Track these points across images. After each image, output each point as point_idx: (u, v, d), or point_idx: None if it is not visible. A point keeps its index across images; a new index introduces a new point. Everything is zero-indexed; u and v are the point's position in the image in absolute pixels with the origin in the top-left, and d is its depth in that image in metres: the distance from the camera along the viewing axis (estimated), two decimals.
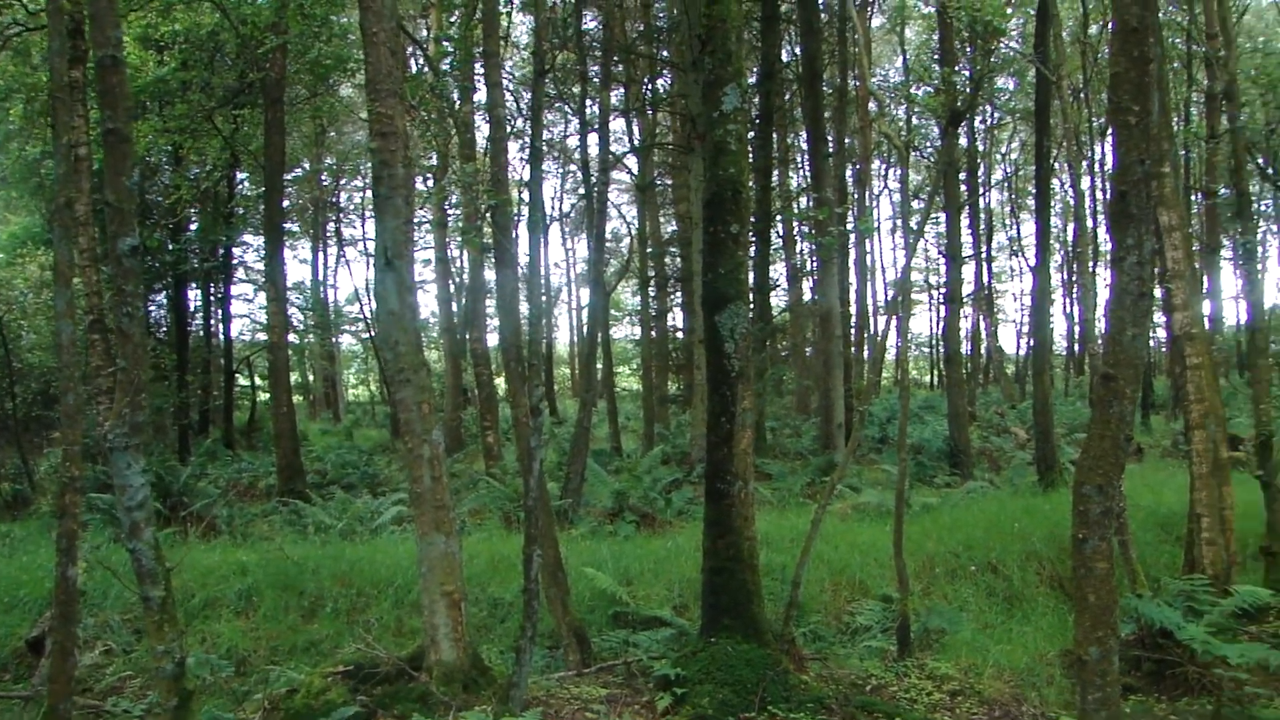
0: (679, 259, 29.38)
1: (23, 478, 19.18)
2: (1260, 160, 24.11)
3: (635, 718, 6.79)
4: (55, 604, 5.68)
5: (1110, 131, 5.08)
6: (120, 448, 3.84)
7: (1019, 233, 45.03)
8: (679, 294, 30.29)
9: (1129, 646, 7.74)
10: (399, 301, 6.72)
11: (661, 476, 18.52)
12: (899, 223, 42.34)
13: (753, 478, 7.64)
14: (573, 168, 37.12)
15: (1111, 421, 3.91)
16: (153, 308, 27.61)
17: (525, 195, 27.71)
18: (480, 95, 21.38)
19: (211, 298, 29.86)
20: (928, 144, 35.51)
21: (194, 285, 28.84)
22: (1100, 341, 4.52)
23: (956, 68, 22.22)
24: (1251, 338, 9.93)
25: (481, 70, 14.87)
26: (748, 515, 7.56)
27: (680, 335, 32.12)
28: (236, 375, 30.93)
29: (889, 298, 43.58)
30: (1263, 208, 33.92)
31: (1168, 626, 7.35)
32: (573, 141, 34.54)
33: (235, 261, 30.72)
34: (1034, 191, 25.93)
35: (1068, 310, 42.49)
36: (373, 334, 37.90)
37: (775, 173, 28.26)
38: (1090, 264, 37.56)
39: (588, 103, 19.68)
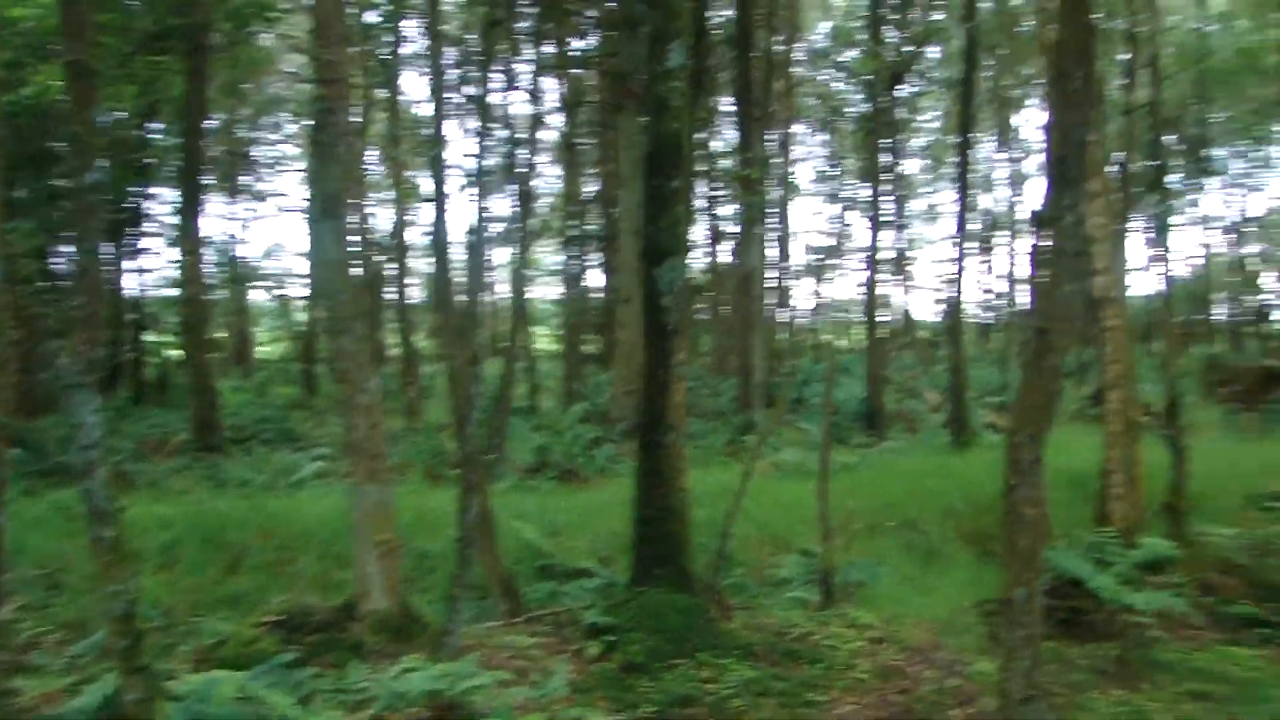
0: (601, 219, 29.41)
1: None
2: (1175, 134, 24.86)
3: (567, 665, 6.91)
4: None
5: (1038, 100, 5.25)
6: (76, 385, 3.85)
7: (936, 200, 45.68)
8: (600, 254, 30.32)
9: (1043, 597, 8.05)
10: (339, 250, 6.73)
11: (583, 433, 18.66)
12: (821, 187, 42.82)
13: (684, 430, 7.82)
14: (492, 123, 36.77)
15: (1045, 374, 4.11)
16: (60, 260, 26.89)
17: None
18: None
19: (120, 250, 29.05)
20: (853, 109, 35.85)
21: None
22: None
23: (888, 31, 22.46)
24: (1160, 307, 10.32)
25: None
26: (680, 467, 7.74)
27: (601, 295, 32.16)
28: (145, 330, 30.21)
29: (809, 261, 44.10)
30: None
31: (1079, 576, 7.68)
32: (495, 98, 34.19)
33: (146, 214, 29.88)
34: (955, 159, 26.31)
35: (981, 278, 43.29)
36: (284, 290, 37.44)
37: (703, 133, 28.34)
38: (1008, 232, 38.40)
39: (515, 59, 19.57)
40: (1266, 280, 38.51)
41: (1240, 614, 8.40)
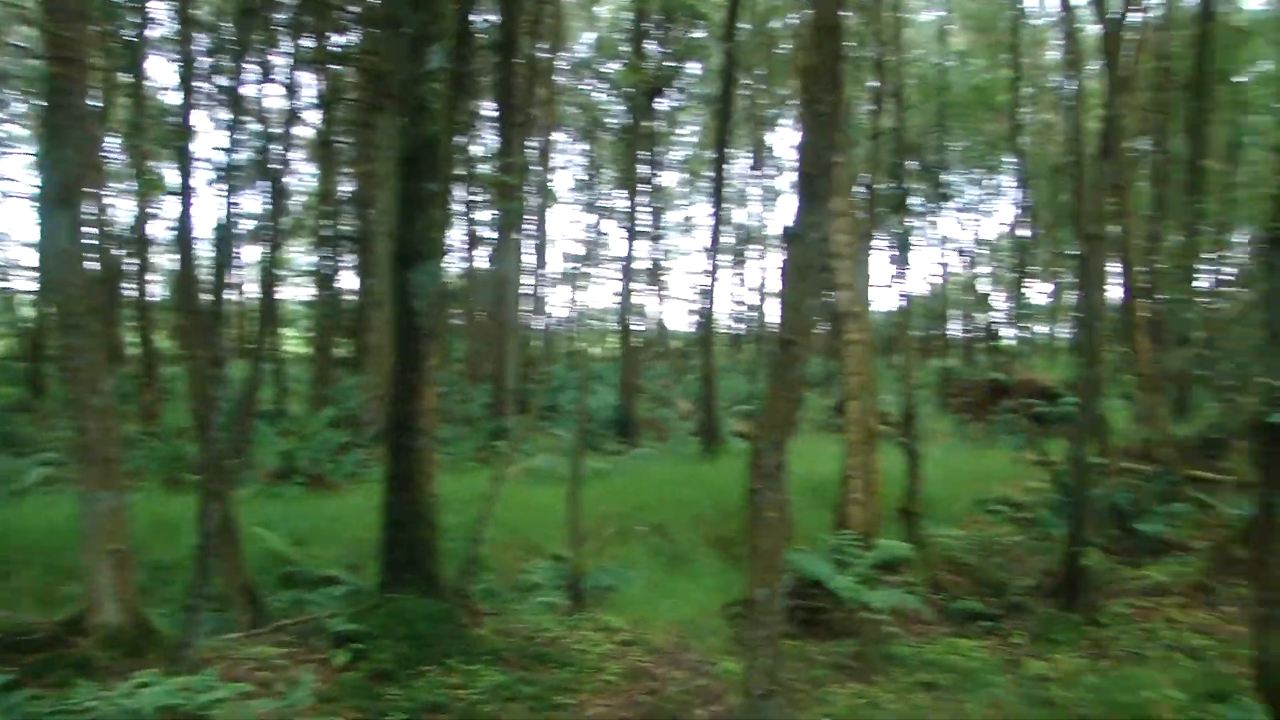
0: (356, 220, 28.69)
1: None
2: (916, 160, 26.30)
3: (313, 674, 6.71)
4: None
5: (791, 120, 5.44)
6: None
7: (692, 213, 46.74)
8: (354, 256, 29.60)
9: (785, 597, 8.37)
10: (73, 242, 6.34)
11: (332, 438, 18.16)
12: (579, 195, 43.11)
13: (435, 435, 7.74)
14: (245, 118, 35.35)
15: (788, 384, 4.26)
16: None
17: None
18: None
19: None
20: (613, 120, 36.28)
21: None
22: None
23: (650, 45, 22.82)
24: (899, 321, 10.89)
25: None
26: (429, 472, 7.67)
27: (354, 298, 31.40)
28: None
29: (565, 268, 44.33)
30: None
31: (820, 577, 8.02)
32: (249, 90, 32.90)
33: None
34: (710, 174, 26.97)
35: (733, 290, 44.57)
36: (8, 282, 34.91)
37: (463, 137, 28.09)
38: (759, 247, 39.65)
39: (272, 51, 18.90)
40: (996, 300, 41.29)
41: (966, 609, 9.00)
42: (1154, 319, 16.70)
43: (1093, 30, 17.59)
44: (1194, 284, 21.56)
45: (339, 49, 23.39)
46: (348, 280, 32.58)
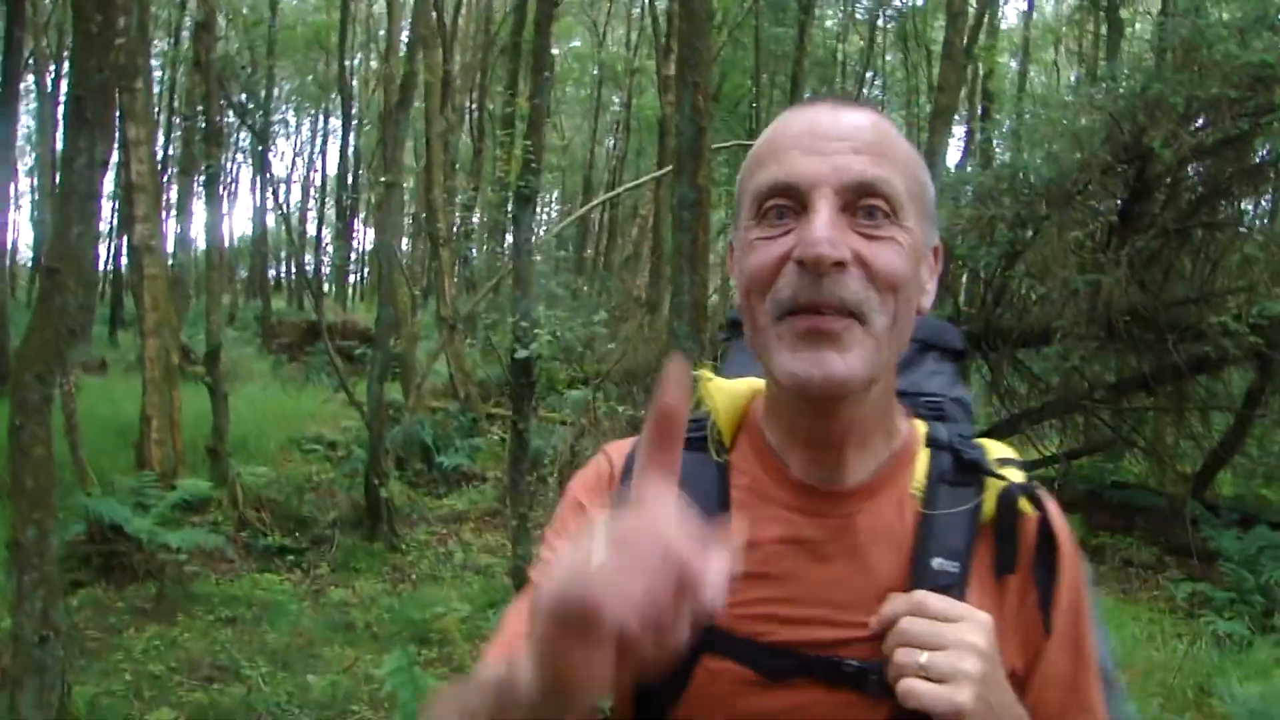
0: None
1: None
2: (238, 95, 25.50)
3: None
4: None
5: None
6: None
7: None
8: None
9: (80, 545, 7.99)
10: None
11: None
12: None
13: None
14: None
15: (53, 313, 4.08)
16: None
17: None
18: None
19: None
20: None
21: None
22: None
23: None
24: (208, 256, 10.70)
25: None
26: None
27: None
28: None
29: None
30: (240, 140, 35.74)
31: (118, 521, 7.72)
32: None
33: None
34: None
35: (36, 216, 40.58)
36: None
37: None
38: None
39: None
40: (322, 242, 41.43)
41: (272, 545, 9.16)
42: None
43: None
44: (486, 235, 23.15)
45: None
46: None
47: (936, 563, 1.10)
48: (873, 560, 1.12)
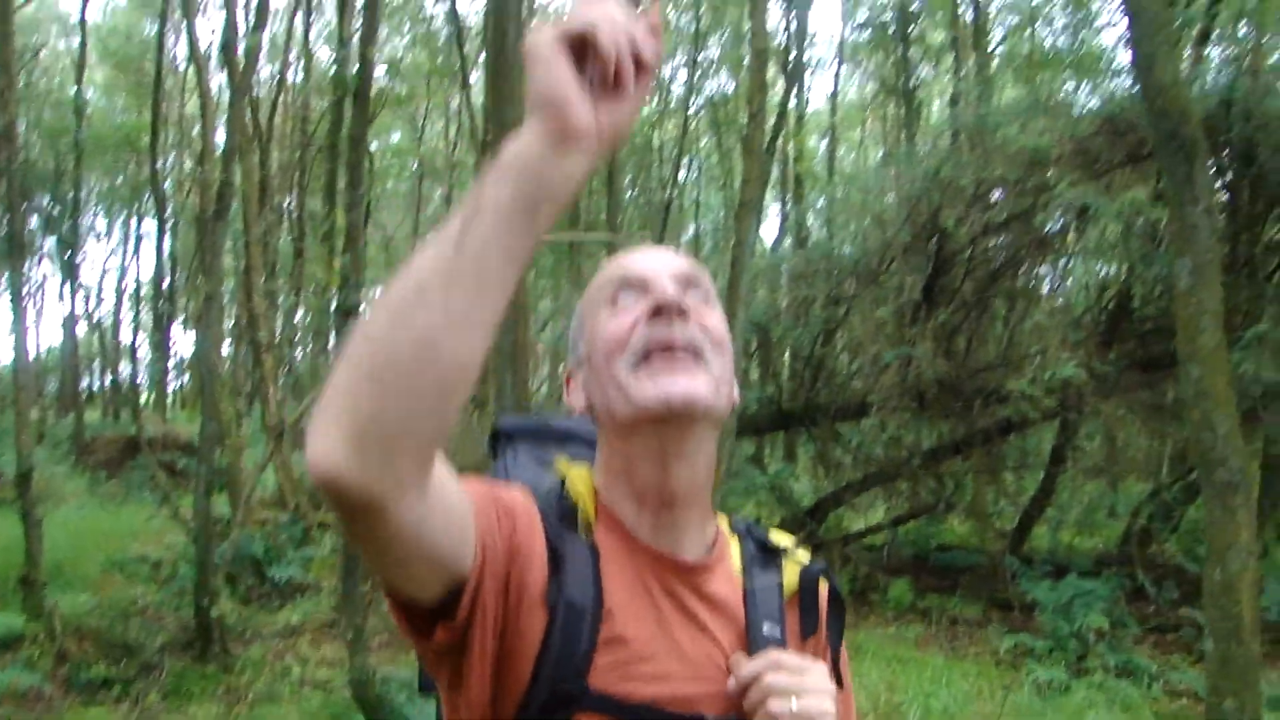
0: None
1: None
2: (44, 199, 24.59)
3: None
4: None
5: None
6: None
7: None
8: None
9: None
10: None
11: None
12: None
13: None
14: None
15: None
16: None
17: None
18: None
19: None
20: None
21: None
22: None
23: None
24: (15, 374, 10.23)
25: None
26: None
27: None
28: None
29: None
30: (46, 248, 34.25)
31: None
32: None
33: None
34: None
35: None
36: None
37: None
38: None
39: None
40: (139, 349, 39.63)
41: (95, 677, 8.67)
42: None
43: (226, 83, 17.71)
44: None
45: None
46: None
47: (766, 628, 1.33)
48: (714, 627, 1.31)
